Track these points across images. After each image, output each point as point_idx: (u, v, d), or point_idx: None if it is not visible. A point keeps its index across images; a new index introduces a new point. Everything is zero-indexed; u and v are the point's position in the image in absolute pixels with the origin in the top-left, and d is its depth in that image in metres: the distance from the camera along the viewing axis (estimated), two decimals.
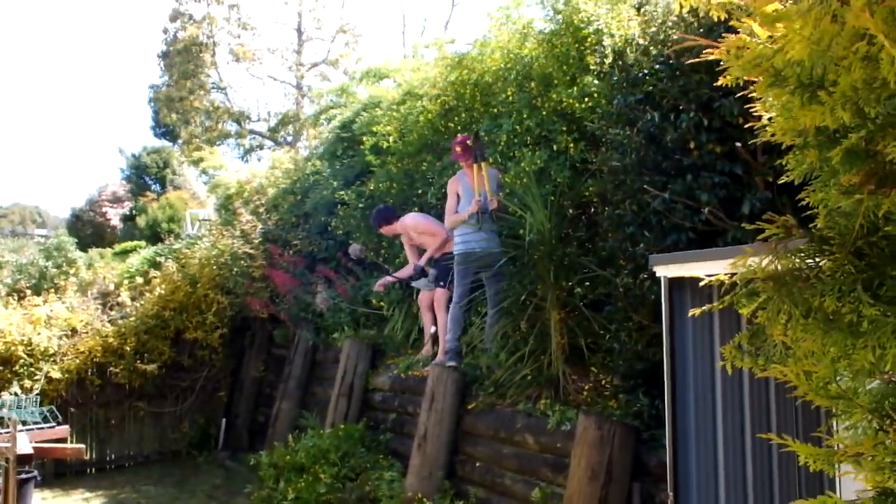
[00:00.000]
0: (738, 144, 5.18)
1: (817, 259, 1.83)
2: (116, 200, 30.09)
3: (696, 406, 3.92)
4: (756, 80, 1.81)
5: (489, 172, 6.99)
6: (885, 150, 1.58)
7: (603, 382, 6.08)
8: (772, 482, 3.82)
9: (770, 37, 1.67)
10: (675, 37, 5.62)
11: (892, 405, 1.78)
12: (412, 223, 7.79)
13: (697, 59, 2.11)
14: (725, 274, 2.14)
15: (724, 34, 1.99)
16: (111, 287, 12.39)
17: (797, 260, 1.84)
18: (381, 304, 8.70)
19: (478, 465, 6.50)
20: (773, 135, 1.87)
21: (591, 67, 6.64)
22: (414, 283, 7.81)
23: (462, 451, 6.76)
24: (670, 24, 5.76)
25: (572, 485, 5.23)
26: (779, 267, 1.87)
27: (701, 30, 5.29)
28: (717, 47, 1.86)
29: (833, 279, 1.75)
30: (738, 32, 1.81)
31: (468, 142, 7.03)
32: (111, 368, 10.80)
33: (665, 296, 3.94)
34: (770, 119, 1.89)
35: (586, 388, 6.12)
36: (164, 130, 30.65)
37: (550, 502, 5.50)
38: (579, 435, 5.27)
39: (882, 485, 1.75)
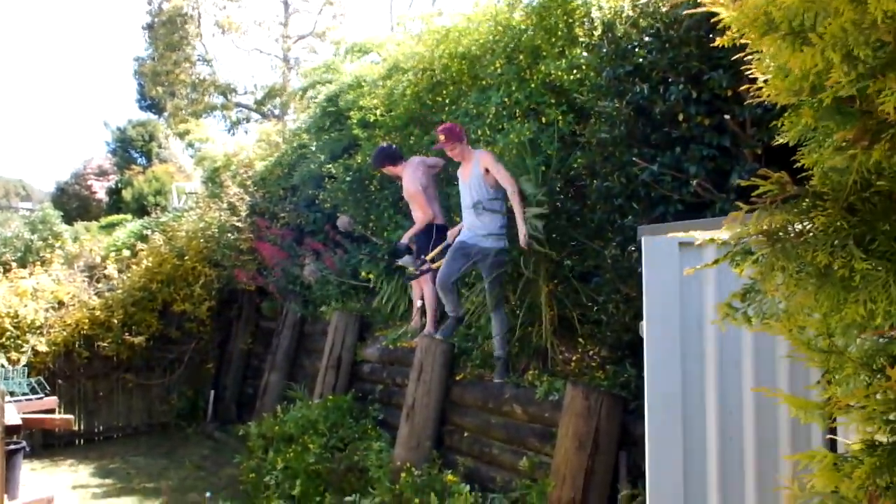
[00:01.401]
0: (727, 117, 5.20)
1: (811, 215, 1.85)
2: (102, 174, 29.84)
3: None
4: (751, 41, 1.83)
5: (476, 156, 6.62)
6: (877, 100, 1.60)
7: (591, 354, 6.14)
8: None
9: None
10: (664, 9, 5.62)
11: (883, 360, 1.83)
12: (409, 184, 7.56)
13: (693, 10, 2.11)
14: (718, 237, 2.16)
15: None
16: (98, 260, 12.36)
17: (790, 216, 1.87)
18: (369, 276, 8.72)
19: (466, 435, 6.56)
20: (768, 95, 1.88)
21: (581, 39, 6.63)
22: (399, 262, 7.76)
23: (450, 421, 6.82)
24: None
25: (559, 454, 5.29)
26: (773, 224, 1.90)
27: (689, 3, 5.29)
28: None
29: (826, 235, 1.78)
30: None
31: (456, 129, 6.70)
32: (98, 341, 10.80)
33: (645, 259, 3.99)
34: (766, 81, 1.91)
35: (574, 359, 6.18)
36: (150, 103, 30.34)
37: (538, 472, 5.56)
38: (567, 405, 5.32)
39: (871, 436, 1.80)
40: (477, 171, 6.53)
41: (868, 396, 1.76)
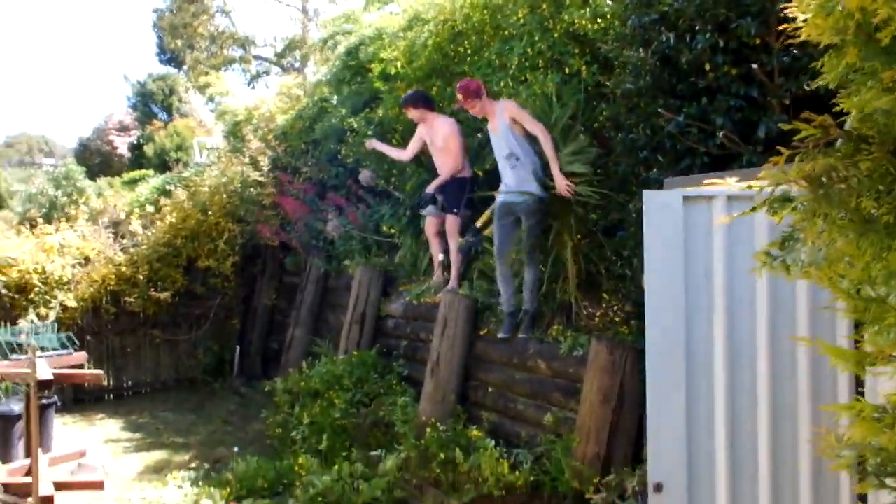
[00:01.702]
0: (755, 66, 5.07)
1: (855, 159, 1.78)
2: (123, 129, 29.87)
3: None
4: None
5: (499, 108, 6.44)
6: None
7: (615, 309, 6.08)
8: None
9: None
10: None
11: None
12: (451, 129, 7.47)
13: None
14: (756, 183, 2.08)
15: None
16: (122, 216, 12.42)
17: (833, 160, 1.80)
18: (392, 230, 8.68)
19: (490, 390, 6.57)
20: (809, 35, 1.80)
21: None
22: (423, 212, 7.72)
23: (474, 376, 6.83)
24: None
25: (584, 409, 5.28)
26: (815, 168, 1.83)
27: None
28: None
29: (871, 180, 1.71)
30: None
31: (471, 85, 6.55)
32: (125, 297, 10.89)
33: (646, 214, 3.97)
34: (806, 20, 1.82)
35: (598, 314, 6.14)
36: (169, 56, 30.15)
37: (562, 427, 5.57)
38: (591, 360, 5.30)
39: None
40: (503, 122, 6.36)
41: None
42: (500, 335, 6.44)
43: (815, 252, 1.94)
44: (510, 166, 6.38)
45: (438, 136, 7.44)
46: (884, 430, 1.72)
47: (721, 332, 3.89)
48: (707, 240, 3.95)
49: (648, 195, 4.03)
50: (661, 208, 3.95)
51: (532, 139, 6.34)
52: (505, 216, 6.40)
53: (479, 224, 7.17)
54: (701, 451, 3.91)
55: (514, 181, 6.35)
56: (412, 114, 7.64)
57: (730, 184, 3.02)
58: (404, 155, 7.94)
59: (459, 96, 6.55)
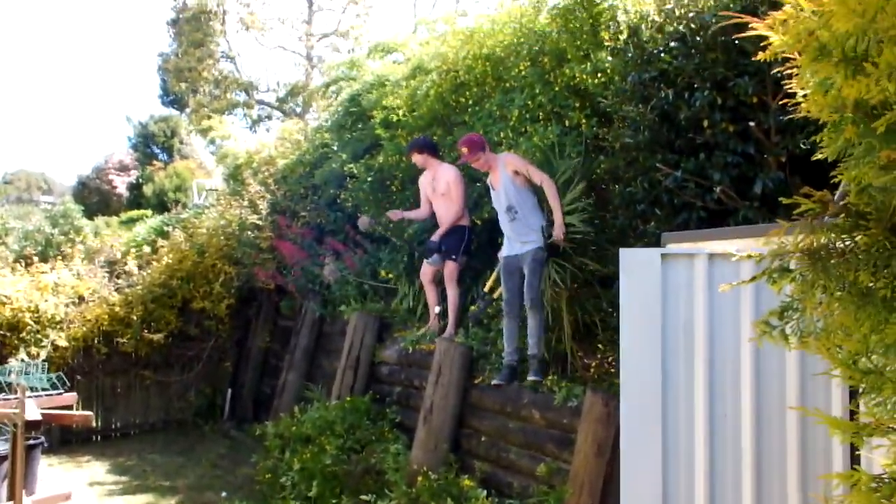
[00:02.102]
0: (752, 124, 5.15)
1: (853, 235, 1.82)
2: (123, 169, 30.05)
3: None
4: (792, 56, 1.80)
5: (501, 162, 6.50)
6: None
7: (610, 360, 6.09)
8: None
9: (814, 11, 1.66)
10: (691, 14, 5.58)
11: None
12: (454, 177, 7.50)
13: (743, 34, 2.08)
14: (755, 251, 2.13)
15: (742, 12, 1.98)
16: (118, 255, 12.41)
17: (832, 235, 1.84)
18: (389, 276, 8.70)
19: (483, 439, 6.53)
20: (808, 112, 1.85)
21: (606, 43, 6.58)
22: (428, 261, 7.73)
23: (468, 424, 6.79)
24: (686, 0, 5.71)
25: (578, 460, 5.25)
26: (814, 242, 1.86)
27: (716, 8, 5.25)
28: (760, 22, 1.84)
29: (868, 254, 1.75)
30: (775, 6, 1.79)
31: (475, 139, 6.62)
32: (118, 337, 10.84)
33: (622, 270, 4.05)
34: (805, 96, 1.87)
35: (593, 364, 6.13)
36: (172, 99, 30.48)
37: (555, 478, 5.52)
38: (586, 411, 5.29)
39: None
40: (505, 175, 6.41)
41: None
42: (494, 382, 6.42)
43: (814, 322, 1.97)
44: (509, 219, 6.41)
45: (441, 182, 7.49)
46: (881, 500, 1.73)
47: (702, 386, 3.92)
48: (688, 296, 4.00)
49: (625, 253, 4.12)
50: (638, 265, 4.02)
51: (536, 191, 6.39)
52: (511, 272, 6.43)
53: (486, 289, 7.22)
54: None
55: (514, 234, 6.40)
56: (416, 159, 7.68)
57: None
58: (421, 214, 7.92)
59: (464, 150, 6.60)
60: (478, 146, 6.55)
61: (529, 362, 6.22)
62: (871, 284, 1.74)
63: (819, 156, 1.96)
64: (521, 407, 6.13)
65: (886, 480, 1.79)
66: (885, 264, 1.69)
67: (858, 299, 1.75)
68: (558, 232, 6.10)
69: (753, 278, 2.11)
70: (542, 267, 6.23)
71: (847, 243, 1.84)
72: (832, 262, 1.80)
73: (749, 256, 2.08)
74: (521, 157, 6.48)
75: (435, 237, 7.53)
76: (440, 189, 7.52)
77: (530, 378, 6.13)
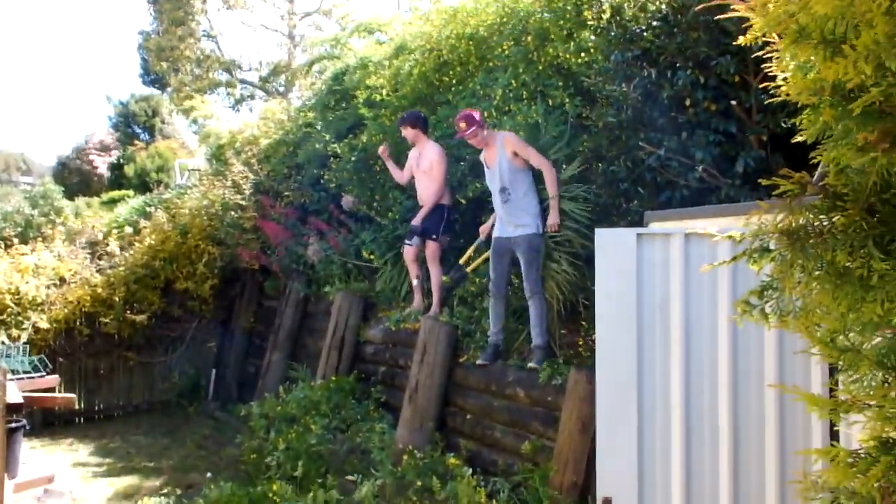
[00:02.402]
0: (734, 103, 5.18)
1: (830, 215, 1.85)
2: (104, 149, 29.75)
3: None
4: (772, 40, 1.81)
5: (499, 140, 6.37)
6: None
7: (594, 338, 6.11)
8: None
9: None
10: None
11: None
12: (438, 156, 7.46)
13: (724, 15, 2.10)
14: (737, 231, 2.16)
15: None
16: (100, 236, 12.33)
17: (811, 216, 1.86)
18: (372, 256, 8.70)
19: (468, 417, 6.56)
20: (787, 94, 1.87)
21: (589, 23, 6.57)
22: (408, 243, 7.71)
23: (453, 403, 6.82)
24: None
25: (562, 438, 5.29)
26: (793, 222, 1.89)
27: None
28: (741, 4, 1.85)
29: (846, 235, 1.77)
30: None
31: (474, 115, 6.43)
32: (100, 318, 10.80)
33: (598, 250, 4.10)
34: (785, 79, 1.89)
35: (578, 343, 6.16)
36: (154, 78, 30.16)
37: (540, 456, 5.57)
38: (570, 389, 5.32)
39: (887, 434, 1.80)
40: (503, 155, 6.29)
41: (885, 396, 1.75)
42: (479, 361, 6.42)
43: (793, 301, 2.00)
44: (502, 200, 6.32)
45: (425, 160, 7.47)
46: (857, 475, 1.76)
47: (678, 362, 3.97)
48: (664, 275, 4.04)
49: (601, 233, 4.17)
50: (614, 245, 4.07)
51: (532, 174, 6.32)
52: (501, 253, 6.36)
53: (462, 261, 7.20)
54: (657, 484, 3.97)
55: (506, 215, 6.31)
56: (407, 133, 7.61)
57: (705, 229, 3.10)
58: (399, 176, 7.93)
59: (462, 125, 6.46)
60: (475, 122, 6.42)
61: (534, 352, 6.10)
62: (848, 264, 1.77)
63: (799, 138, 1.98)
64: (506, 385, 6.17)
65: (863, 455, 1.82)
66: (862, 244, 1.72)
67: (836, 279, 1.78)
68: (553, 222, 6.06)
69: (734, 258, 2.14)
70: (540, 255, 6.17)
71: (825, 224, 1.87)
72: (810, 242, 1.83)
73: (730, 237, 2.11)
74: (519, 138, 6.38)
75: (416, 220, 7.50)
76: (423, 166, 7.50)
77: (531, 365, 6.03)
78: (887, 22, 1.51)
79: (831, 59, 1.64)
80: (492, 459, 6.11)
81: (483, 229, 6.87)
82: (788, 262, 1.87)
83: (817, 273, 1.83)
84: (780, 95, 1.94)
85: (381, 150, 7.91)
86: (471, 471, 5.83)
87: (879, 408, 1.76)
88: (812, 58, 1.70)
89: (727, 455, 3.92)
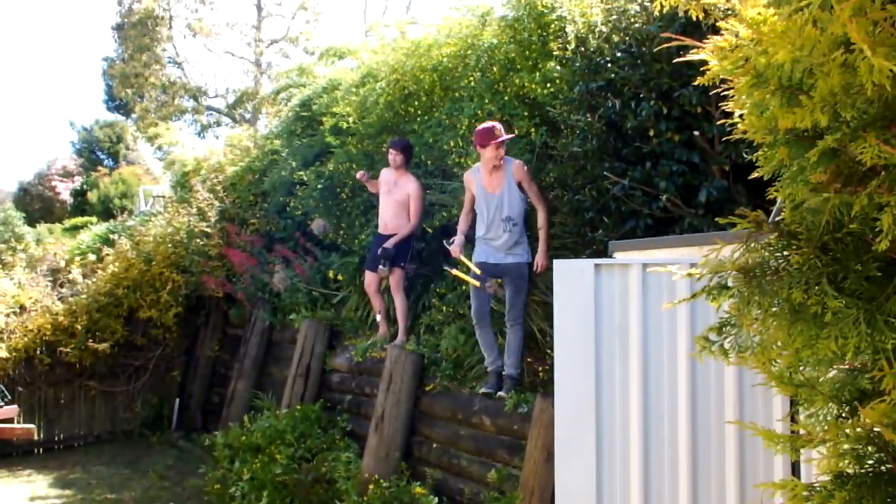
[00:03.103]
0: (697, 133, 5.27)
1: (785, 253, 1.89)
2: (67, 175, 29.38)
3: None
4: (731, 80, 1.87)
5: (508, 168, 6.14)
6: (852, 148, 1.65)
7: None
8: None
9: (753, 39, 1.72)
10: (637, 25, 5.69)
11: (851, 393, 1.86)
12: (418, 191, 7.48)
13: (681, 59, 2.16)
14: (693, 266, 2.20)
15: (686, 27, 2.06)
16: (62, 263, 12.15)
17: (766, 253, 1.91)
18: (339, 278, 8.67)
19: (435, 446, 6.55)
20: (744, 132, 1.92)
21: (554, 53, 6.65)
22: (381, 267, 7.62)
23: (419, 432, 6.80)
24: (633, 12, 5.82)
25: (528, 467, 5.30)
26: (749, 260, 1.94)
27: (661, 21, 5.36)
28: (703, 47, 1.90)
29: (800, 272, 1.82)
30: (715, 30, 1.86)
31: (496, 130, 6.06)
32: (61, 347, 10.61)
33: (556, 281, 4.15)
34: (741, 116, 1.95)
35: (542, 371, 6.19)
36: (118, 104, 29.98)
37: (506, 484, 5.57)
38: (536, 417, 5.34)
39: (839, 469, 1.83)
40: (511, 182, 6.12)
41: (839, 434, 1.79)
42: (483, 390, 6.16)
43: (750, 338, 2.04)
44: (504, 229, 6.12)
45: (401, 190, 7.48)
46: None
47: (636, 392, 4.01)
48: (623, 305, 4.09)
49: (559, 264, 4.20)
50: (572, 276, 4.11)
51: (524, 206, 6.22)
52: (486, 279, 6.21)
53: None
54: None
55: (505, 244, 6.15)
56: (395, 157, 7.52)
57: (665, 261, 3.14)
58: (373, 188, 7.94)
59: (492, 143, 6.03)
60: (503, 142, 6.12)
61: (505, 381, 6.04)
62: (803, 301, 1.81)
63: (757, 174, 2.03)
64: (472, 414, 6.17)
65: (819, 489, 1.86)
66: (816, 282, 1.77)
67: (791, 315, 1.83)
68: (542, 263, 6.00)
69: (694, 295, 2.18)
70: (528, 284, 6.16)
71: (780, 261, 1.91)
72: (767, 279, 1.88)
73: (689, 275, 2.15)
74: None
75: (389, 244, 7.44)
76: (397, 196, 7.52)
77: (501, 394, 5.97)
78: (842, 73, 1.56)
79: (788, 105, 1.69)
80: (458, 488, 6.09)
81: (455, 250, 6.50)
82: (745, 299, 1.91)
83: (773, 310, 1.87)
84: (737, 134, 1.99)
85: (360, 175, 7.91)
86: (437, 500, 5.83)
87: (834, 444, 1.80)
88: (769, 101, 1.75)
89: (686, 485, 3.95)
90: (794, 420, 2.20)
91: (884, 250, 1.73)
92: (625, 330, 4.06)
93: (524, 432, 5.51)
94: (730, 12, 1.83)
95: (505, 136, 6.08)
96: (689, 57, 1.94)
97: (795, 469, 3.51)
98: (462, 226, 6.55)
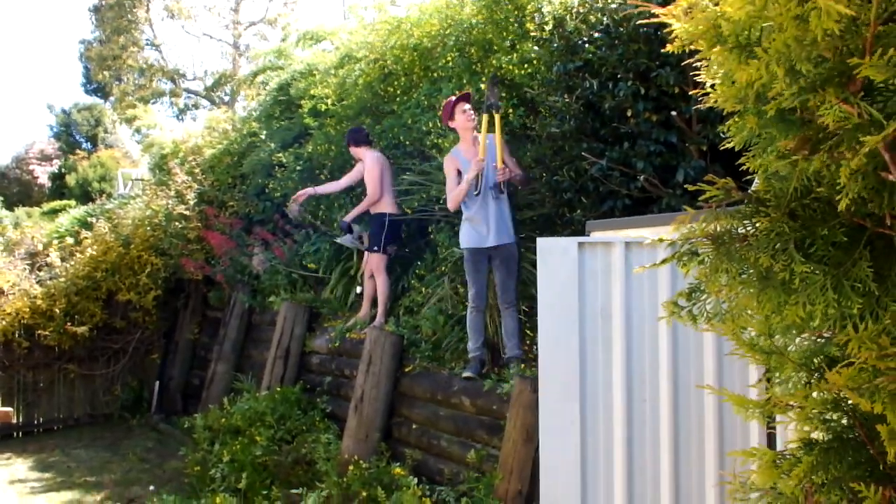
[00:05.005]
0: (674, 113, 5.29)
1: (754, 220, 1.91)
2: (45, 158, 29.17)
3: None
4: (701, 48, 1.87)
5: (489, 139, 6.11)
6: (817, 112, 1.66)
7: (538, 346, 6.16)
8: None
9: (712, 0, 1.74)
10: (613, 5, 5.68)
11: (820, 360, 1.89)
12: (370, 163, 7.53)
13: (643, 14, 2.16)
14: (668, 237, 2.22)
15: (665, 4, 2.06)
16: (40, 247, 12.05)
17: (735, 221, 1.92)
18: (313, 265, 8.67)
19: (414, 427, 6.57)
20: (715, 101, 1.93)
21: (531, 34, 6.64)
22: (339, 241, 7.80)
23: (399, 413, 6.82)
24: None
25: (507, 446, 5.32)
26: (718, 227, 1.95)
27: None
28: (665, 10, 1.91)
29: (768, 238, 1.83)
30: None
31: (452, 98, 6.19)
32: (40, 330, 10.54)
33: (540, 258, 4.17)
34: (713, 86, 1.96)
35: (524, 350, 6.21)
36: (96, 87, 29.68)
37: (486, 464, 5.59)
38: (515, 397, 5.35)
39: (808, 435, 1.86)
40: (492, 144, 6.08)
41: (806, 397, 1.81)
42: (465, 374, 6.14)
43: (719, 304, 2.06)
44: (493, 196, 6.05)
45: (365, 167, 7.54)
46: (781, 475, 1.82)
47: (619, 369, 4.04)
48: (606, 283, 4.12)
49: (542, 242, 4.21)
50: (555, 254, 4.12)
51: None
52: (481, 261, 6.14)
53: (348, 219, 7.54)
54: (599, 492, 4.02)
55: (500, 218, 6.05)
56: (352, 151, 7.79)
57: (643, 237, 3.16)
58: (333, 186, 8.00)
59: (456, 108, 6.21)
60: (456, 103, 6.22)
61: (507, 363, 6.02)
62: (770, 266, 1.83)
63: (728, 145, 2.04)
64: (452, 395, 6.18)
65: (787, 456, 1.88)
66: (784, 248, 1.78)
67: (759, 282, 1.84)
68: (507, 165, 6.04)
69: (664, 261, 2.19)
70: (519, 264, 6.15)
71: (749, 228, 1.93)
72: (735, 246, 1.89)
73: (661, 240, 2.17)
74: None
75: (348, 217, 7.71)
76: (366, 171, 7.62)
77: (513, 372, 5.79)
78: (797, 26, 1.58)
79: (745, 61, 1.70)
80: (438, 468, 6.11)
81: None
82: (714, 266, 1.93)
83: (742, 277, 1.89)
84: (708, 103, 2.00)
85: (299, 196, 8.13)
86: (416, 480, 5.83)
87: (801, 409, 1.82)
88: (728, 61, 1.76)
89: (668, 458, 3.99)
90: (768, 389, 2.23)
91: (850, 216, 1.75)
92: (607, 307, 4.08)
93: (503, 412, 5.53)
94: None
95: (461, 94, 6.27)
96: (654, 20, 1.95)
97: (771, 439, 3.55)
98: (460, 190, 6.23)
